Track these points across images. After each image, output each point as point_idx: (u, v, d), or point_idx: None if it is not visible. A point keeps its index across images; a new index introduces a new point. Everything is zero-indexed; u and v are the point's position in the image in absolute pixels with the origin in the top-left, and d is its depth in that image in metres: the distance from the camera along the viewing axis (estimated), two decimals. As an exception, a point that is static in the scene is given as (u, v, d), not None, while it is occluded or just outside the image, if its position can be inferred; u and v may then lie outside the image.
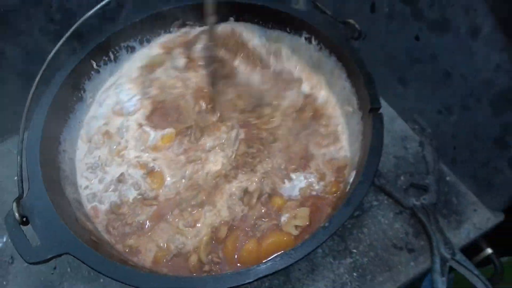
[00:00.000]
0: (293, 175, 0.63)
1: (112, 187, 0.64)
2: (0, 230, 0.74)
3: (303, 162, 0.65)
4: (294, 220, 0.58)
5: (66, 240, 0.47)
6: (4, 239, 0.74)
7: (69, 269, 0.69)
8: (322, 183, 0.63)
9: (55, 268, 0.70)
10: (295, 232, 0.57)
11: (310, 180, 0.63)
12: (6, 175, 0.81)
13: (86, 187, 0.65)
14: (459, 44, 0.63)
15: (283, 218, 0.59)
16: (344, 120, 0.69)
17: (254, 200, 0.60)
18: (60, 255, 0.46)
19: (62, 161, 0.62)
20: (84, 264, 0.45)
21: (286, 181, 0.63)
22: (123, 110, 0.73)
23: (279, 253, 0.46)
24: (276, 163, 0.65)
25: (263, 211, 0.60)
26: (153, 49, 0.77)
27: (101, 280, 0.68)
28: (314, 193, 0.62)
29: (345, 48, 0.61)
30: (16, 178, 0.80)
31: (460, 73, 0.66)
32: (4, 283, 0.69)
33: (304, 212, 0.59)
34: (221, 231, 0.57)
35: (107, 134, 0.70)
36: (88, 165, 0.67)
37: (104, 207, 0.62)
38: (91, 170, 0.67)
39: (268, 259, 0.46)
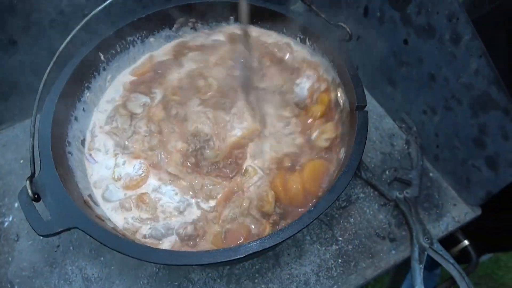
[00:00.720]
0: (297, 81, 0.74)
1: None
2: (6, 210, 0.79)
3: (296, 71, 0.75)
4: (323, 135, 0.68)
5: (75, 215, 0.51)
6: (10, 218, 0.78)
7: (71, 248, 0.74)
8: (318, 82, 0.73)
9: (58, 246, 0.74)
10: (325, 144, 0.67)
11: (311, 78, 0.73)
12: (13, 158, 0.86)
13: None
14: (443, 50, 0.68)
15: (314, 135, 0.69)
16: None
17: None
18: (69, 229, 0.50)
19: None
20: (91, 237, 0.49)
21: (295, 86, 0.74)
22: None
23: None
24: (276, 80, 0.75)
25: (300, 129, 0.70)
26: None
27: (102, 258, 0.73)
28: (317, 88, 0.72)
29: (336, 50, 0.66)
30: (22, 161, 0.86)
31: (444, 77, 0.70)
32: (10, 259, 0.73)
33: (330, 126, 0.69)
34: (285, 161, 0.66)
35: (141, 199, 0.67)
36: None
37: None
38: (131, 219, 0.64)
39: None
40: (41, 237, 0.73)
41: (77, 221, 0.50)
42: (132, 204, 0.64)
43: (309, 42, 0.72)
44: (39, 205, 0.53)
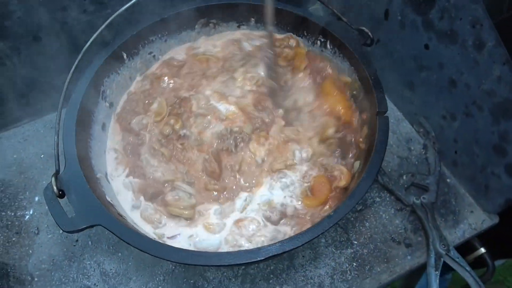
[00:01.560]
0: None
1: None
2: (27, 204, 0.80)
3: None
4: None
5: (99, 213, 0.52)
6: (31, 212, 0.80)
7: (90, 243, 0.75)
8: None
9: (77, 240, 0.76)
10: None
11: None
12: (34, 153, 0.88)
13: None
14: (465, 55, 0.67)
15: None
16: None
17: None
18: (92, 226, 0.51)
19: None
20: (114, 235, 0.50)
21: None
22: None
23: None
24: None
25: None
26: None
27: (119, 254, 0.74)
28: None
29: (357, 55, 0.66)
30: (42, 156, 0.88)
31: (465, 82, 0.70)
32: (30, 251, 0.75)
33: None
34: None
35: None
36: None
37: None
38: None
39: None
40: (61, 232, 0.75)
41: (100, 219, 0.51)
42: None
43: (330, 46, 0.72)
44: (62, 202, 0.54)
